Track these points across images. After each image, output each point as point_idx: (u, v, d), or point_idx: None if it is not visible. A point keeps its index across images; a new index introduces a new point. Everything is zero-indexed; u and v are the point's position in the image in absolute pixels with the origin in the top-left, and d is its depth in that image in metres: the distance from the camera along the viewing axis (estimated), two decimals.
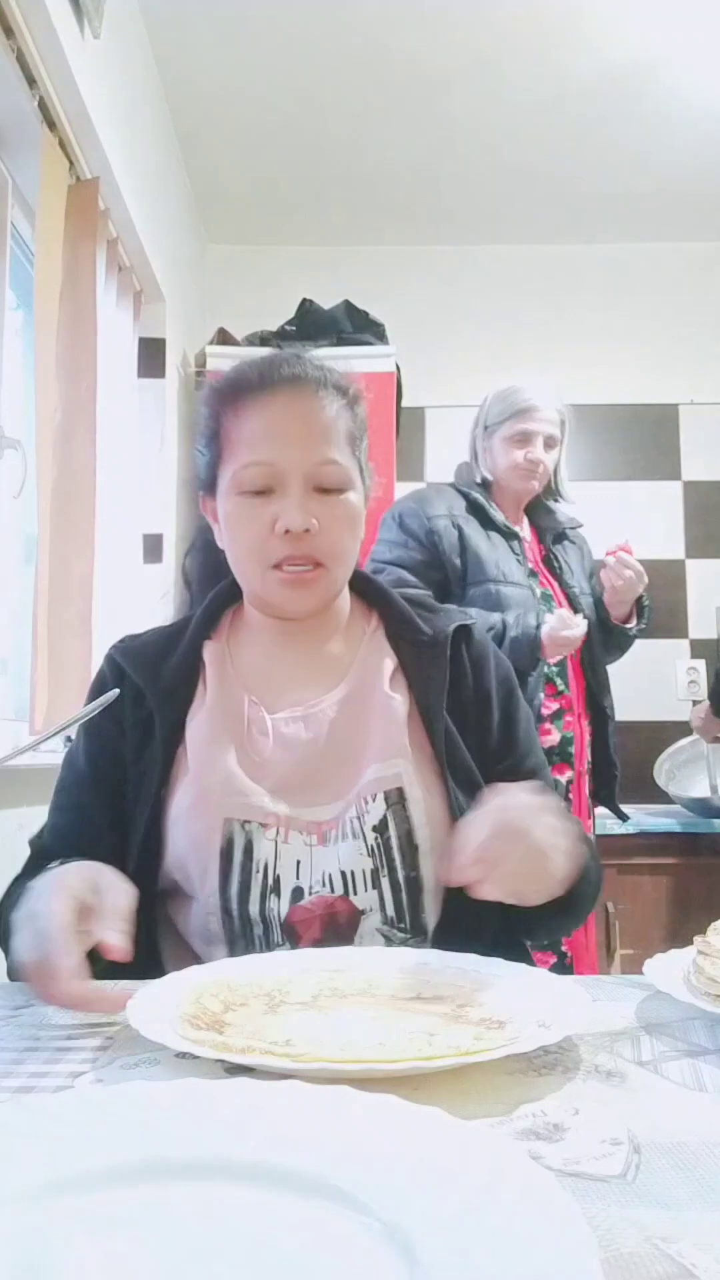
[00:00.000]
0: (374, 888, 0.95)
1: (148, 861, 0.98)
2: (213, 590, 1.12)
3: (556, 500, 2.28)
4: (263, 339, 2.90)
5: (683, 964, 0.76)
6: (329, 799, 0.98)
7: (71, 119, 1.93)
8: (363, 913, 0.95)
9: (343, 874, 0.95)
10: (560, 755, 2.04)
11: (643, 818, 2.66)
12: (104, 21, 1.97)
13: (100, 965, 0.84)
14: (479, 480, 2.19)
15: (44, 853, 1.04)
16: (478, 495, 2.14)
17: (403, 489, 2.74)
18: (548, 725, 2.05)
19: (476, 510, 2.12)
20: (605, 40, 2.50)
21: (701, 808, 2.77)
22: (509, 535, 2.13)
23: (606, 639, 2.22)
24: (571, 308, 3.43)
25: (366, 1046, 0.62)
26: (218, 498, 1.04)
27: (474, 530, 2.09)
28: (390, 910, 0.95)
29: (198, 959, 0.96)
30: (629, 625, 2.21)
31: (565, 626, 1.95)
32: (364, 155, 2.98)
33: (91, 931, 0.76)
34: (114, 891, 0.81)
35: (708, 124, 2.83)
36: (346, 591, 1.10)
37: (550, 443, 2.17)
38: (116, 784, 1.03)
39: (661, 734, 3.20)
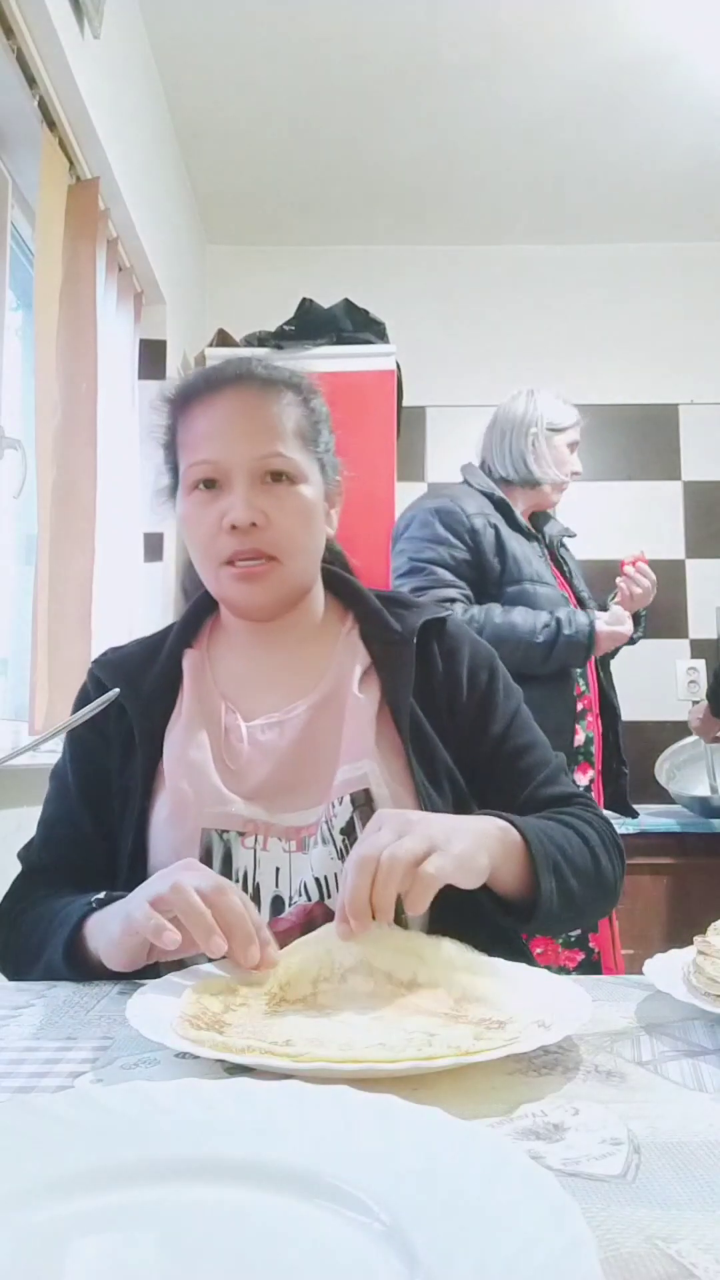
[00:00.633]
0: None
1: (136, 874, 0.97)
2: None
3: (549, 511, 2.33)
4: (261, 339, 2.90)
5: (683, 964, 0.76)
6: (306, 804, 0.97)
7: (71, 119, 1.93)
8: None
9: (317, 880, 0.94)
10: (584, 755, 2.06)
11: (643, 818, 2.66)
12: (104, 21, 1.97)
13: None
14: (526, 479, 2.19)
15: (38, 867, 1.05)
16: (503, 496, 2.15)
17: (403, 488, 2.75)
18: (575, 726, 2.06)
19: (503, 511, 2.13)
20: (605, 41, 2.50)
21: (701, 807, 2.77)
22: (529, 537, 2.15)
23: None
24: (571, 308, 3.43)
25: (366, 1046, 0.62)
26: (177, 499, 1.05)
27: (506, 531, 2.10)
28: None
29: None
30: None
31: (618, 622, 2.03)
32: (364, 155, 2.98)
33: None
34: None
35: (706, 124, 2.83)
36: (320, 592, 1.10)
37: None
38: (104, 796, 1.03)
39: (661, 734, 3.20)
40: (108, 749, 1.04)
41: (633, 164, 3.03)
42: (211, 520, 0.98)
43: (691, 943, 0.76)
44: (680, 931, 2.53)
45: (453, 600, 1.97)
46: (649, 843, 2.67)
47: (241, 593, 1.00)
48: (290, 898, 0.95)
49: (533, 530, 2.17)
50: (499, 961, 0.80)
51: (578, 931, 2.03)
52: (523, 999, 0.70)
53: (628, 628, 2.05)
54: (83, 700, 1.08)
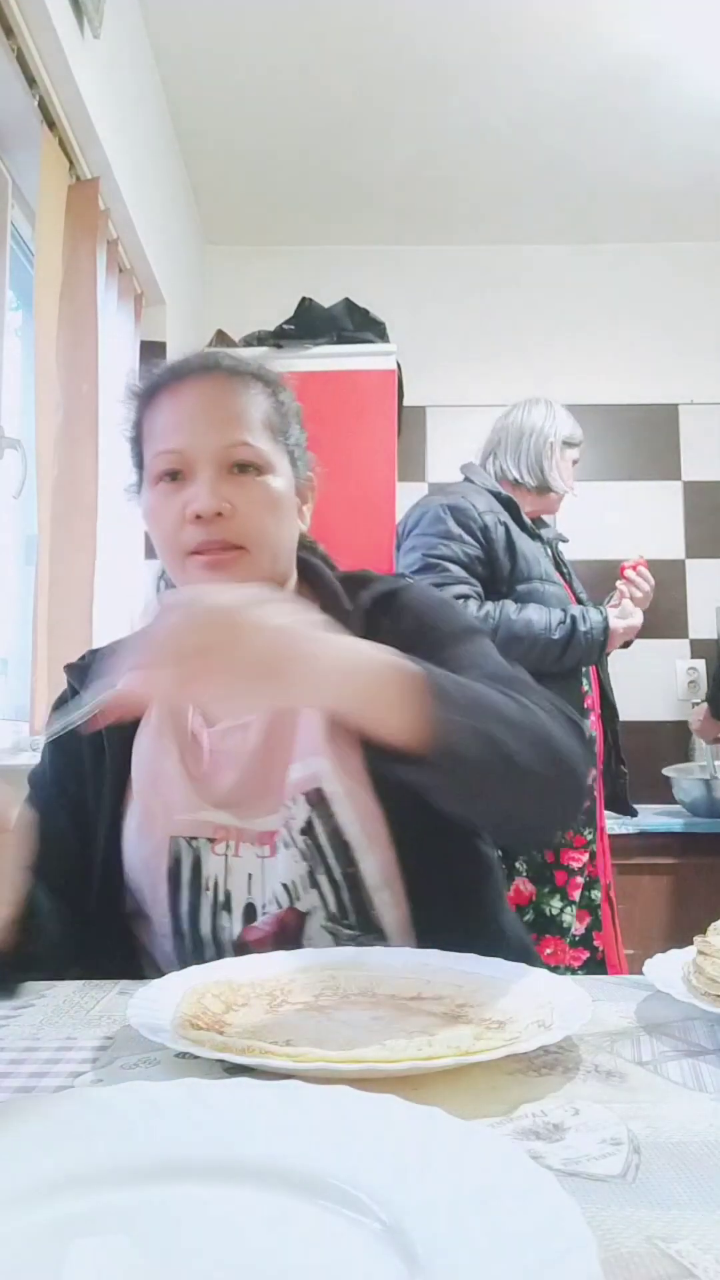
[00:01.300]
0: (312, 887, 0.92)
1: (110, 882, 0.97)
2: None
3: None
4: (260, 339, 2.90)
5: (683, 964, 0.76)
6: (273, 809, 0.94)
7: (71, 119, 1.93)
8: (306, 914, 0.92)
9: (284, 885, 0.92)
10: None
11: (643, 817, 2.66)
12: (104, 21, 1.97)
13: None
14: (537, 485, 2.20)
15: None
16: (510, 496, 2.15)
17: (404, 488, 2.75)
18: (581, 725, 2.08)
19: (510, 510, 2.13)
20: (607, 41, 2.50)
21: (703, 799, 2.77)
22: (535, 537, 2.15)
23: None
24: (571, 308, 3.43)
25: (367, 1046, 0.62)
26: (142, 494, 1.02)
27: (515, 529, 2.10)
28: (332, 907, 0.92)
29: None
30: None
31: (627, 617, 2.06)
32: (365, 154, 2.98)
33: None
34: None
35: (708, 124, 2.83)
36: (295, 583, 1.06)
37: None
38: (81, 801, 1.01)
39: (661, 734, 3.21)
40: (80, 754, 1.02)
41: (633, 164, 3.03)
42: (176, 511, 0.95)
43: (691, 943, 0.76)
44: (680, 931, 2.53)
45: (466, 597, 1.97)
46: (649, 843, 2.67)
47: (209, 583, 0.94)
48: (263, 905, 0.93)
49: (536, 531, 2.18)
50: (499, 961, 0.80)
51: (583, 930, 2.03)
52: (523, 999, 0.70)
53: (638, 621, 2.08)
54: (59, 705, 1.07)
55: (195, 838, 0.94)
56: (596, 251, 3.46)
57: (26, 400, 2.00)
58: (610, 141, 2.92)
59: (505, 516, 2.09)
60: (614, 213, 3.29)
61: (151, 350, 2.67)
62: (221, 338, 3.01)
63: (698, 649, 3.31)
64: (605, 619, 2.03)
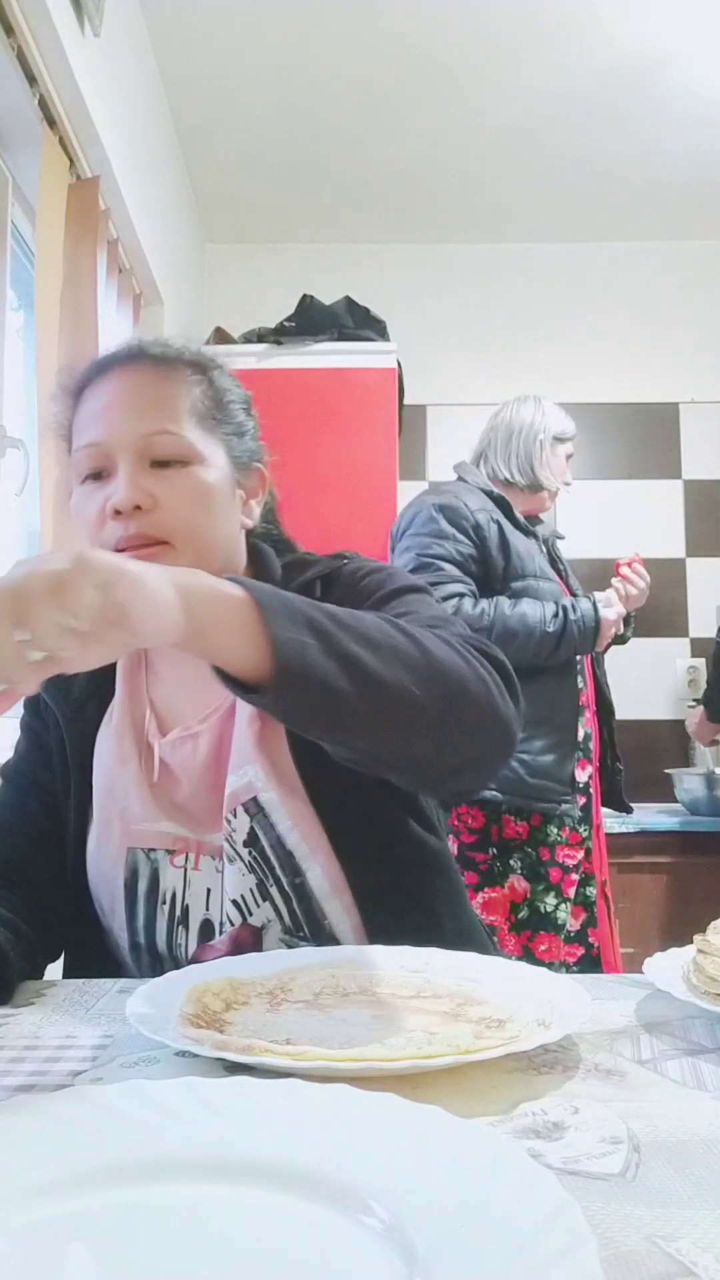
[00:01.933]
0: (265, 900, 0.90)
1: (81, 885, 0.95)
2: None
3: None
4: (260, 336, 2.90)
5: (682, 963, 0.76)
6: (221, 822, 0.91)
7: (72, 117, 1.92)
8: (262, 929, 0.90)
9: (234, 902, 0.90)
10: (583, 751, 2.07)
11: (643, 816, 2.67)
12: (104, 20, 1.97)
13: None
14: (529, 483, 2.20)
15: None
16: (502, 494, 2.16)
17: (405, 487, 2.75)
18: (578, 722, 2.08)
19: (503, 508, 2.13)
20: (607, 41, 2.50)
21: (704, 797, 2.77)
22: (528, 534, 2.15)
23: None
24: (572, 307, 3.43)
25: (366, 1045, 0.62)
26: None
27: (508, 527, 2.10)
28: (287, 919, 0.90)
29: None
30: (619, 633, 2.27)
31: (608, 604, 2.06)
32: (365, 153, 2.98)
33: None
34: None
35: (707, 123, 2.83)
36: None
37: None
38: (53, 794, 0.99)
39: (661, 733, 3.21)
40: (49, 749, 1.00)
41: (632, 163, 3.03)
42: (97, 507, 0.89)
43: (691, 941, 0.76)
44: (680, 930, 2.53)
45: (461, 596, 1.97)
46: (649, 841, 2.67)
47: None
48: (220, 922, 0.91)
49: (530, 529, 2.18)
50: (499, 960, 0.80)
51: (577, 927, 2.04)
52: (522, 998, 0.70)
53: (618, 609, 2.08)
54: (28, 707, 1.04)
55: (153, 849, 0.92)
56: (596, 251, 3.46)
57: (27, 400, 2.00)
58: (610, 141, 2.92)
59: (498, 515, 2.10)
60: (614, 212, 3.29)
61: None
62: (220, 335, 3.00)
63: (697, 648, 3.31)
64: (594, 606, 2.04)
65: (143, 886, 0.92)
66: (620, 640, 2.26)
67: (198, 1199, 0.44)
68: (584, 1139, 0.51)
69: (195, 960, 0.89)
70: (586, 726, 2.10)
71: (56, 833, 0.98)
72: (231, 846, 0.90)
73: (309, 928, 0.90)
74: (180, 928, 0.92)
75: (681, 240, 3.44)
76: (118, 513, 0.87)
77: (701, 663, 3.28)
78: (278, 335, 2.87)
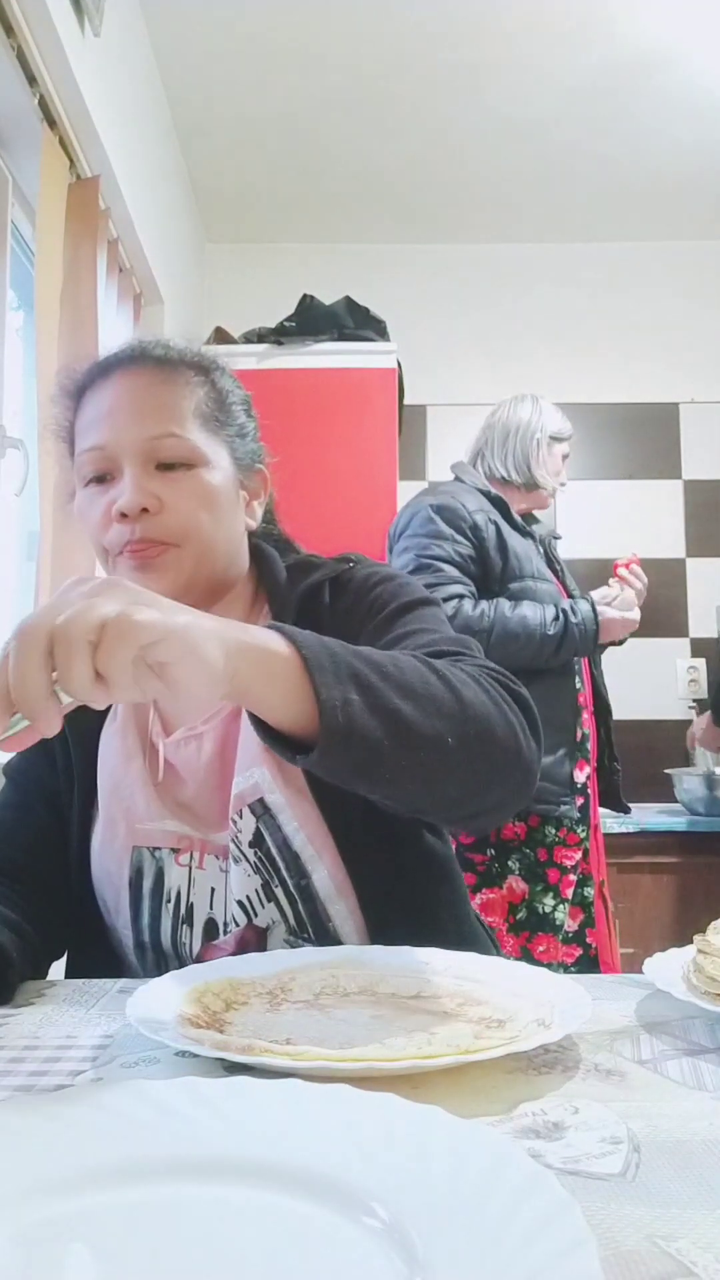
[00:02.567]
0: (270, 901, 0.90)
1: (84, 884, 0.95)
2: None
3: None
4: (260, 336, 2.90)
5: (683, 963, 0.76)
6: (226, 822, 0.92)
7: (72, 117, 1.93)
8: (267, 930, 0.90)
9: (239, 903, 0.90)
10: (581, 752, 2.07)
11: (643, 817, 2.67)
12: (104, 20, 1.97)
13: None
14: (525, 482, 2.20)
15: None
16: (499, 494, 2.16)
17: (405, 487, 2.75)
18: (576, 722, 2.08)
19: (500, 508, 2.13)
20: (604, 41, 2.50)
21: (704, 798, 2.77)
22: (525, 535, 2.15)
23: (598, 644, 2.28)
24: (572, 307, 3.43)
25: (366, 1045, 0.62)
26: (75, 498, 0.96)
27: (506, 528, 2.10)
28: (291, 921, 0.90)
29: None
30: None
31: (605, 601, 2.08)
32: (365, 153, 2.98)
33: None
34: None
35: (707, 123, 2.83)
36: (250, 583, 1.01)
37: None
38: (55, 794, 0.99)
39: (661, 733, 3.21)
40: (52, 747, 0.99)
41: (632, 163, 3.03)
42: (102, 510, 0.89)
43: (691, 941, 0.76)
44: (680, 931, 2.54)
45: (461, 597, 1.97)
46: (649, 842, 2.67)
47: (138, 583, 0.82)
48: (224, 922, 0.91)
49: (527, 529, 2.18)
50: (499, 960, 0.80)
51: (575, 927, 2.04)
52: (522, 998, 0.70)
53: (632, 614, 2.09)
54: None
55: (158, 848, 0.92)
56: (596, 251, 3.46)
57: (27, 400, 2.00)
58: (610, 141, 2.92)
59: (496, 515, 2.10)
60: (614, 212, 3.29)
61: None
62: (220, 335, 3.00)
63: (698, 648, 3.31)
64: (593, 607, 2.04)
65: (147, 885, 0.92)
66: (617, 642, 2.26)
67: (198, 1199, 0.44)
68: (584, 1139, 0.51)
69: (200, 959, 0.89)
70: (584, 727, 2.10)
71: (59, 832, 0.98)
72: (237, 847, 0.90)
73: (313, 929, 0.90)
74: (185, 926, 0.92)
75: (681, 240, 3.44)
76: (124, 516, 0.87)
77: (701, 663, 3.29)
78: (278, 335, 2.87)
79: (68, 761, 0.98)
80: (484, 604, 1.98)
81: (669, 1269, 0.39)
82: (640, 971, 0.77)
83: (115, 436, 0.89)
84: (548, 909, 1.96)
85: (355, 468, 2.73)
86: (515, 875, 1.96)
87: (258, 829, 0.90)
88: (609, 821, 2.50)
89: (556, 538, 2.37)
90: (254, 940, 0.90)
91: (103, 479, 0.91)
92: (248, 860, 0.90)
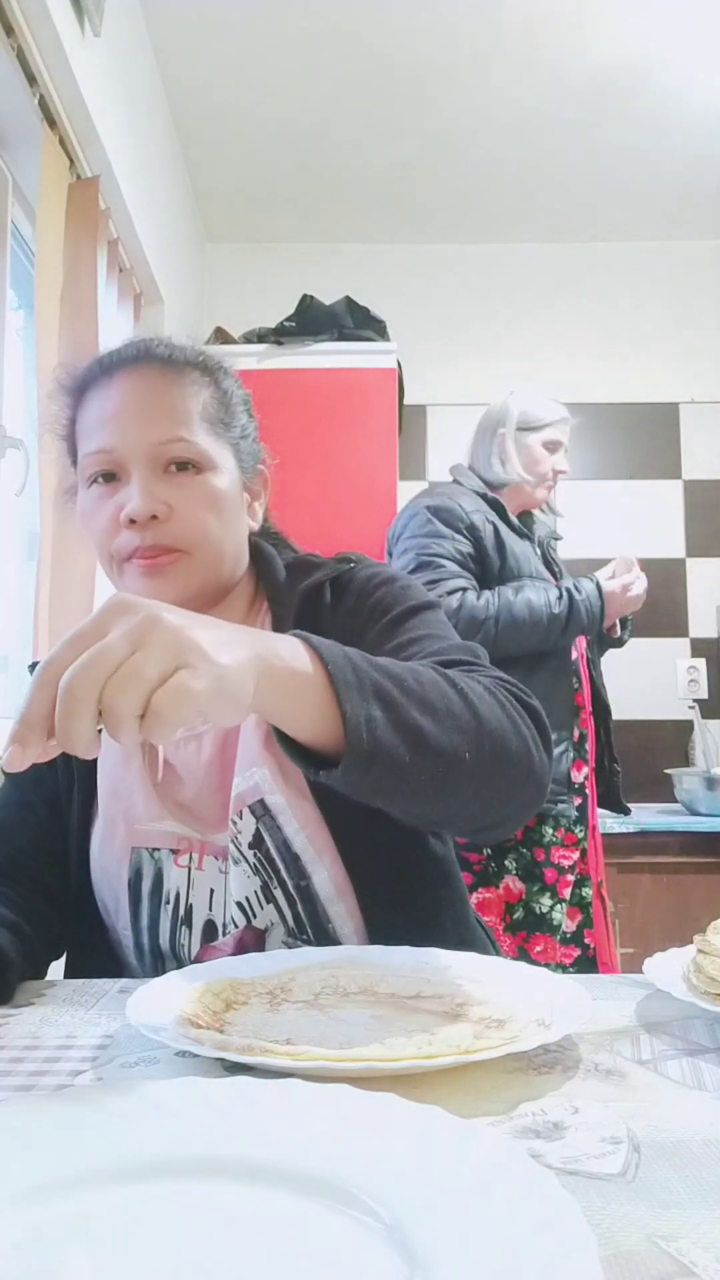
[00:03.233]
0: (269, 902, 0.90)
1: (84, 885, 0.95)
2: None
3: (543, 510, 2.33)
4: (260, 336, 2.90)
5: (682, 963, 0.76)
6: (225, 822, 0.92)
7: (72, 117, 1.93)
8: (266, 931, 0.90)
9: (238, 904, 0.90)
10: (578, 752, 2.07)
11: (643, 817, 2.67)
12: (104, 20, 1.97)
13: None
14: (503, 480, 2.19)
15: None
16: (495, 496, 2.15)
17: (405, 487, 2.75)
18: (574, 722, 2.08)
19: (497, 509, 2.13)
20: (604, 39, 2.50)
21: (704, 798, 2.77)
22: (522, 535, 2.15)
23: (599, 645, 2.29)
24: (572, 307, 3.43)
25: (366, 1045, 0.62)
26: (78, 498, 0.95)
27: (504, 529, 2.10)
28: (290, 923, 0.90)
29: None
30: (616, 635, 2.29)
31: (611, 575, 2.07)
32: (364, 153, 2.98)
33: None
34: None
35: (707, 122, 2.83)
36: (250, 582, 1.00)
37: (565, 453, 2.24)
38: (55, 793, 0.99)
39: (661, 733, 3.21)
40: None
41: (632, 163, 3.03)
42: (109, 514, 0.89)
43: (691, 941, 0.76)
44: (680, 931, 2.54)
45: (464, 590, 1.97)
46: (649, 842, 2.67)
47: (147, 589, 0.88)
48: (224, 924, 0.90)
49: (524, 529, 2.18)
50: (499, 960, 0.80)
51: (573, 928, 2.04)
52: (522, 998, 0.70)
53: (637, 587, 2.08)
54: None
55: (157, 849, 0.92)
56: (596, 251, 3.46)
57: (27, 400, 2.00)
58: (610, 141, 2.92)
59: (493, 516, 2.10)
60: (614, 212, 3.29)
61: None
62: (220, 335, 3.00)
63: (698, 648, 3.31)
64: (597, 584, 2.04)
65: (146, 886, 0.92)
66: (618, 643, 2.26)
67: (198, 1199, 0.44)
68: (584, 1139, 0.51)
69: (199, 961, 0.89)
70: (582, 727, 2.10)
71: (59, 831, 0.98)
72: (237, 848, 0.90)
73: (313, 931, 0.90)
74: (184, 928, 0.91)
75: (681, 240, 3.44)
76: (132, 522, 0.87)
77: (702, 663, 3.28)
78: (278, 335, 2.87)
79: (68, 762, 0.98)
80: (487, 593, 1.99)
81: (669, 1269, 0.39)
82: (640, 971, 0.77)
83: (122, 440, 0.89)
84: (544, 909, 1.96)
85: (355, 468, 2.73)
86: (512, 875, 1.96)
87: (257, 830, 0.90)
88: (609, 822, 2.50)
89: (557, 538, 2.36)
90: (253, 942, 0.90)
91: (109, 480, 0.90)
92: (247, 861, 0.90)
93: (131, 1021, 0.65)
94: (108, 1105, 0.51)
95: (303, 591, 0.95)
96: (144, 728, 0.55)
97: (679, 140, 2.91)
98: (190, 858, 0.92)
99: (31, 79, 1.77)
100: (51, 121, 1.87)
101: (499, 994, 0.72)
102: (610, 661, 2.33)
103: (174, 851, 0.92)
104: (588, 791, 2.10)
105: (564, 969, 1.97)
